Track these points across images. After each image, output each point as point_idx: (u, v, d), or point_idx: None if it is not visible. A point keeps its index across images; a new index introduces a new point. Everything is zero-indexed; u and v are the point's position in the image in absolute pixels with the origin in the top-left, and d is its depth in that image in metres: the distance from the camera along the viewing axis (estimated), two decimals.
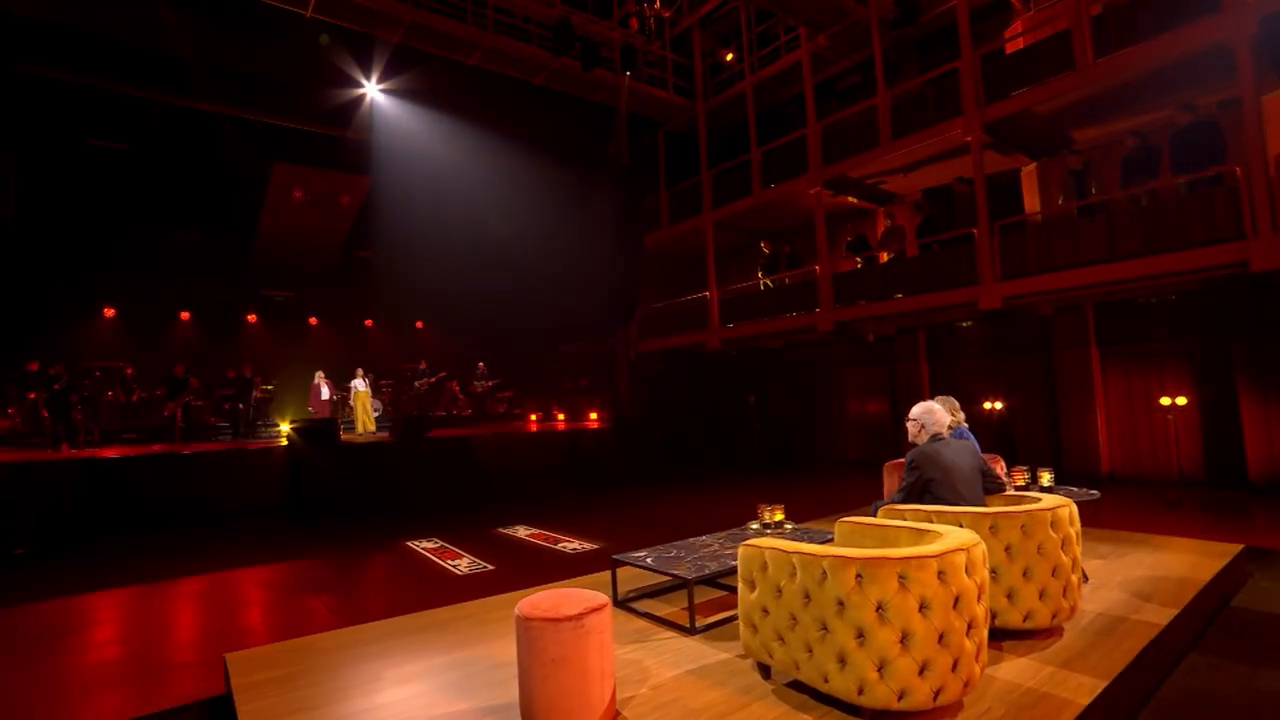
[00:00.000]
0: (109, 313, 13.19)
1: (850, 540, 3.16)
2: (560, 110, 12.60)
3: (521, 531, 7.95)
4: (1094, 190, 8.40)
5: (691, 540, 4.24)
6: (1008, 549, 3.09)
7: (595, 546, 7.12)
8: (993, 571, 3.10)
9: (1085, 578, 4.05)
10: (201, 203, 12.87)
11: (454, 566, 6.38)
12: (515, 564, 6.40)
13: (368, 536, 7.84)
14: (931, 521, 3.29)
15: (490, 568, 6.30)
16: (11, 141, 10.71)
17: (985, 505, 3.58)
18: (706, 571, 3.55)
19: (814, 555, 2.44)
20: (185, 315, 14.10)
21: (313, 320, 15.99)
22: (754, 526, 4.51)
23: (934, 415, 3.71)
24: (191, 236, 13.46)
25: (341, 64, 10.54)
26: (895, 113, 9.93)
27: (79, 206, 12.00)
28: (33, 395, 10.40)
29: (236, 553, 6.95)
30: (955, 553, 2.37)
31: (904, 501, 3.63)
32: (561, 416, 17.03)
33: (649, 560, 3.80)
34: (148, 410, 12.05)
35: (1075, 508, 3.31)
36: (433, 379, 16.14)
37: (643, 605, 3.89)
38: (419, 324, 17.65)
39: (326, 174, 13.12)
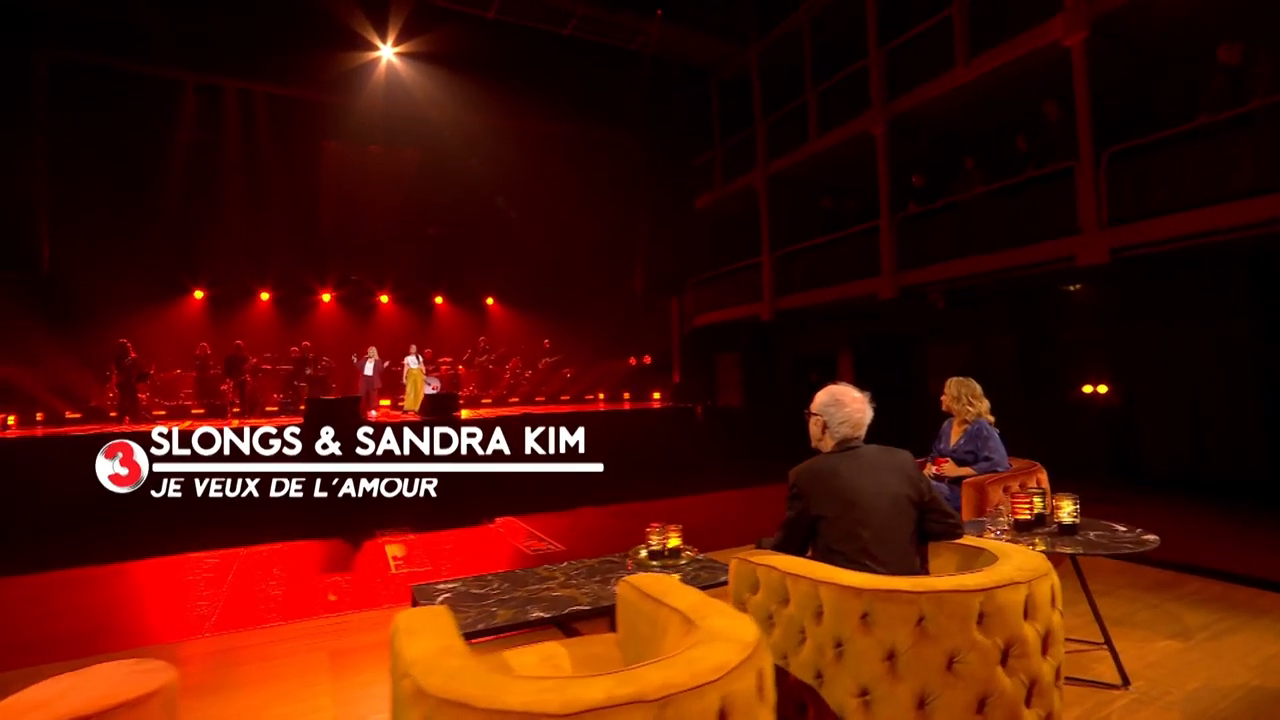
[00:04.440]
0: (197, 293, 13.99)
1: (627, 613, 1.99)
2: (597, 65, 11.52)
3: (503, 526, 7.24)
4: (1257, 92, 6.00)
5: (530, 571, 3.17)
6: (890, 658, 1.74)
7: (563, 548, 6.25)
8: (864, 693, 1.77)
9: (1125, 680, 2.50)
10: (270, 184, 13.19)
11: (396, 564, 5.76)
12: (459, 564, 5.72)
13: (352, 525, 7.38)
14: (781, 592, 2.01)
15: (427, 568, 5.62)
16: (108, 133, 11.31)
17: (913, 561, 2.20)
18: (477, 627, 2.50)
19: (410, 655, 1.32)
20: (264, 294, 14.69)
21: (383, 298, 16.23)
22: (642, 554, 3.34)
23: (843, 409, 2.35)
24: (267, 218, 13.90)
25: (358, 28, 10.12)
26: (974, 23, 7.86)
27: (169, 192, 12.58)
28: (106, 372, 11.09)
29: (196, 537, 6.58)
30: (609, 712, 1.16)
31: (782, 546, 2.34)
32: (627, 396, 16.19)
33: (438, 600, 2.79)
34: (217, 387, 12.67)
35: (1054, 583, 1.85)
36: (494, 355, 15.88)
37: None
38: (488, 300, 17.43)
39: (374, 150, 13.02)
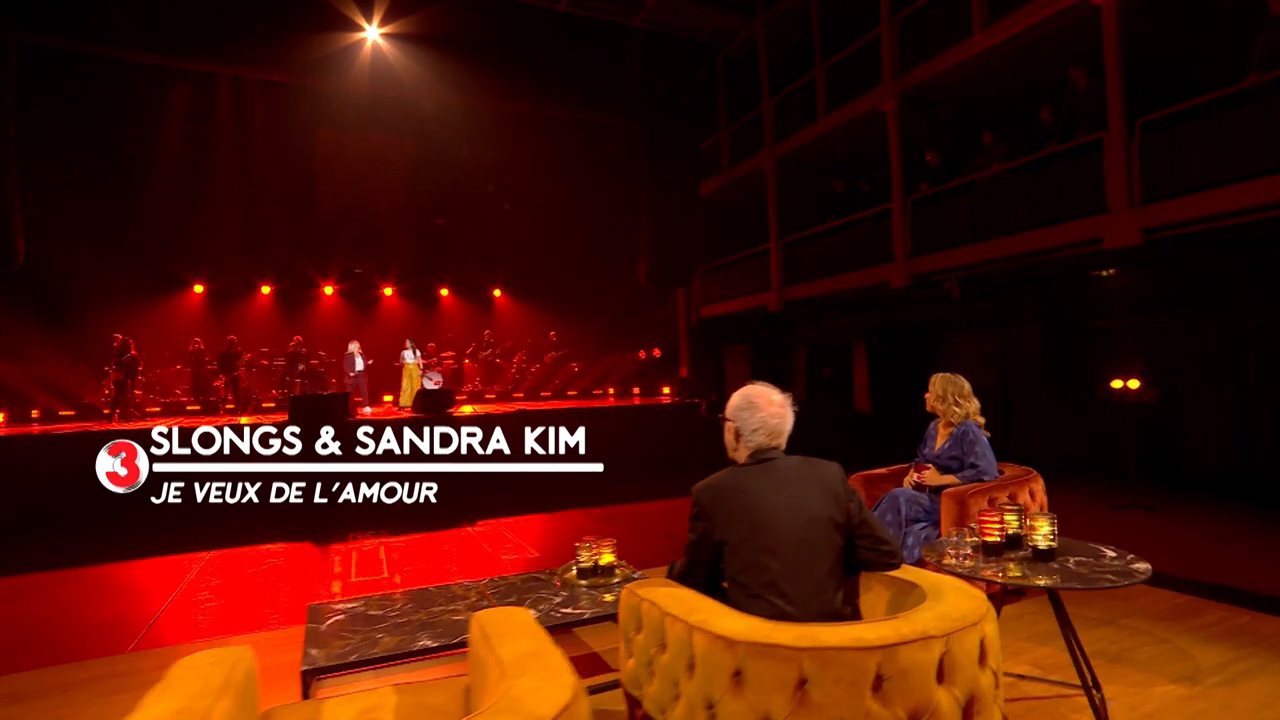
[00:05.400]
0: (197, 287, 13.88)
1: (473, 656, 1.65)
2: (595, 45, 11.01)
3: (482, 531, 6.95)
4: None
5: (443, 588, 2.83)
6: None
7: (537, 554, 5.93)
8: None
9: None
10: (266, 175, 13.00)
11: (357, 573, 5.50)
12: (422, 571, 5.42)
13: (327, 526, 7.11)
14: (660, 634, 1.63)
15: (381, 577, 5.35)
16: (89, 123, 11.06)
17: (833, 598, 1.79)
18: (349, 659, 2.18)
19: None
20: (265, 288, 14.54)
21: (388, 291, 16.03)
22: (571, 572, 2.98)
23: (757, 413, 1.95)
24: (264, 210, 13.72)
25: (343, 9, 9.78)
26: None
27: (159, 183, 12.40)
28: (105, 368, 10.99)
29: (162, 540, 6.31)
30: None
31: (685, 577, 1.95)
32: (636, 391, 15.80)
33: (324, 626, 2.47)
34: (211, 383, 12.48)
35: (985, 634, 1.44)
36: (498, 349, 15.63)
37: (337, 686, 2.53)
38: (495, 292, 17.12)
39: (370, 137, 12.81)
